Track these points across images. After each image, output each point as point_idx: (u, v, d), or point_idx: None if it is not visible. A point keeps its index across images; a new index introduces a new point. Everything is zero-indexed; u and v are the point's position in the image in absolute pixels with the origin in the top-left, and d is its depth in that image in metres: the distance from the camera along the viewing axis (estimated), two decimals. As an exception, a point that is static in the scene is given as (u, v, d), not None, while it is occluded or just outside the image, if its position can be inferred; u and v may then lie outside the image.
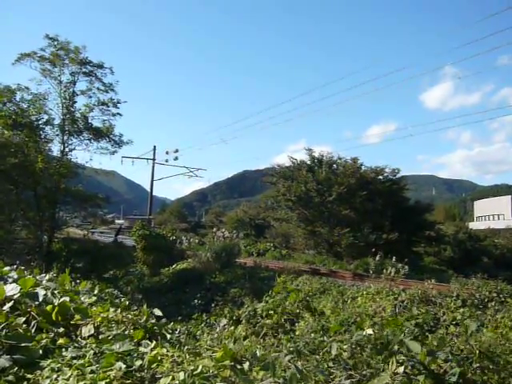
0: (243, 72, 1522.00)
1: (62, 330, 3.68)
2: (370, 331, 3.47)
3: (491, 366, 3.59)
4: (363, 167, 37.79)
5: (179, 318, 16.70)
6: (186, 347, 3.54)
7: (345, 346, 3.75)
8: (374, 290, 16.04)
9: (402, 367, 3.19)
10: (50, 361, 2.98)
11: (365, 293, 16.27)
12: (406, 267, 18.88)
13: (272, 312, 14.21)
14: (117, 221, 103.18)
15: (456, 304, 13.23)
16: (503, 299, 13.07)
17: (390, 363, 3.25)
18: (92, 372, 2.74)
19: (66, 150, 34.13)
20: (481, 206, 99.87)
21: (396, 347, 3.32)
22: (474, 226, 72.08)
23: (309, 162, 39.34)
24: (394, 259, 20.12)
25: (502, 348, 5.17)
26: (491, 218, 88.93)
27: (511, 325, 10.67)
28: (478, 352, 3.70)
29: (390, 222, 37.33)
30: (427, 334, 8.95)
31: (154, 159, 41.38)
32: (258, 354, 3.40)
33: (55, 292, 4.53)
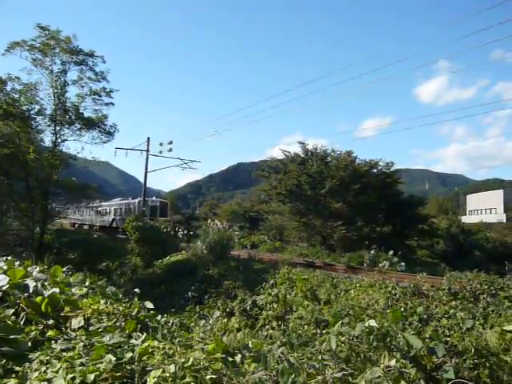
0: (239, 64, 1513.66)
1: (51, 321, 3.63)
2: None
3: (487, 363, 3.57)
4: (357, 160, 37.83)
5: (172, 309, 16.68)
6: (177, 339, 3.50)
7: (342, 338, 3.72)
8: (367, 283, 16.10)
9: (394, 360, 3.18)
10: (38, 353, 2.94)
11: (358, 285, 16.33)
12: (403, 264, 18.89)
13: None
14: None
15: (448, 297, 13.30)
16: (494, 292, 13.16)
17: (383, 356, 3.23)
18: (82, 364, 2.70)
19: (58, 140, 33.91)
20: (473, 200, 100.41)
21: (389, 340, 3.29)
22: (466, 219, 72.72)
23: (302, 155, 39.26)
24: (390, 253, 20.11)
25: (496, 346, 5.18)
26: (483, 212, 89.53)
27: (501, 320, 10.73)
28: (473, 349, 3.69)
29: (383, 215, 37.48)
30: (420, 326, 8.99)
31: (147, 150, 41.00)
32: (251, 346, 3.37)
33: (45, 284, 4.47)
